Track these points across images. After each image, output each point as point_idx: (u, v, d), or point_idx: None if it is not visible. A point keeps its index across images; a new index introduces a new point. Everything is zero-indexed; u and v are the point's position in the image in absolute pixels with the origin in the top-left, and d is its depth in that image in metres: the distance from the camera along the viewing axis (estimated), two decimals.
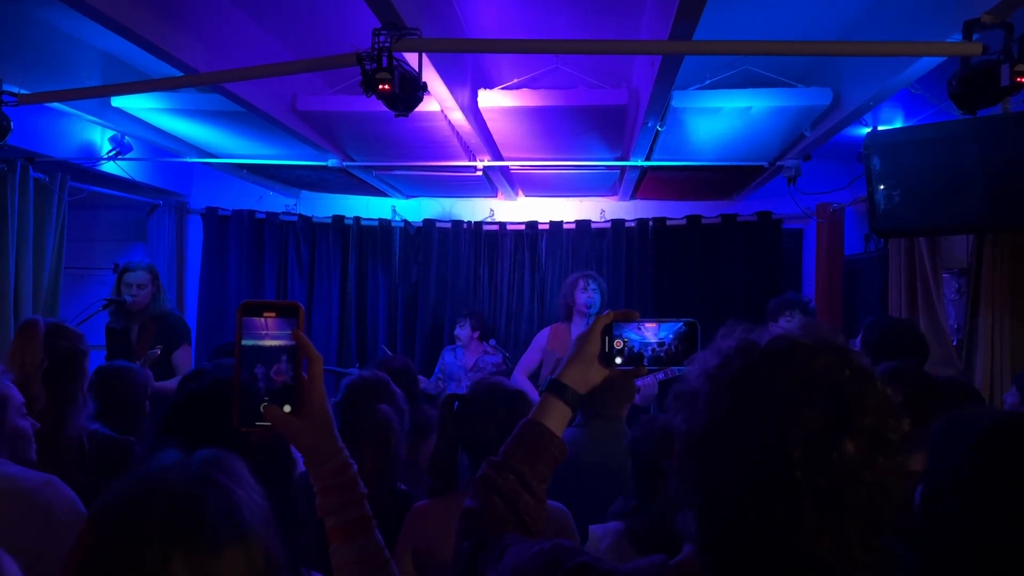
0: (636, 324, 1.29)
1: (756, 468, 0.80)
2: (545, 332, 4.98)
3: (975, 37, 2.63)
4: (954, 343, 4.24)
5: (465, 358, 5.48)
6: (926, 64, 3.14)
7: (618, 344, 1.28)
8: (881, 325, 3.32)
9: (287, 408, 1.10)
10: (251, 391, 1.09)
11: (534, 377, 4.90)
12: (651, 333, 1.29)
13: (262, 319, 1.10)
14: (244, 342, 1.10)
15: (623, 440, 2.69)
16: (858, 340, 3.20)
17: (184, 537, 0.80)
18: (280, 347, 1.10)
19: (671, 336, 1.28)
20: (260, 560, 0.84)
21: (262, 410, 1.09)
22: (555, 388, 1.27)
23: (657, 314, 5.08)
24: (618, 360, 1.28)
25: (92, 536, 0.82)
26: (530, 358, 4.93)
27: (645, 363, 1.29)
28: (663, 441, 1.97)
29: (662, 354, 1.28)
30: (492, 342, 5.61)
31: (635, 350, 1.28)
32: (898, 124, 4.53)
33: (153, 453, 0.95)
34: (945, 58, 3.03)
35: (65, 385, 2.15)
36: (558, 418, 1.26)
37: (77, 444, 2.21)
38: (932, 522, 1.31)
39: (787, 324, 4.50)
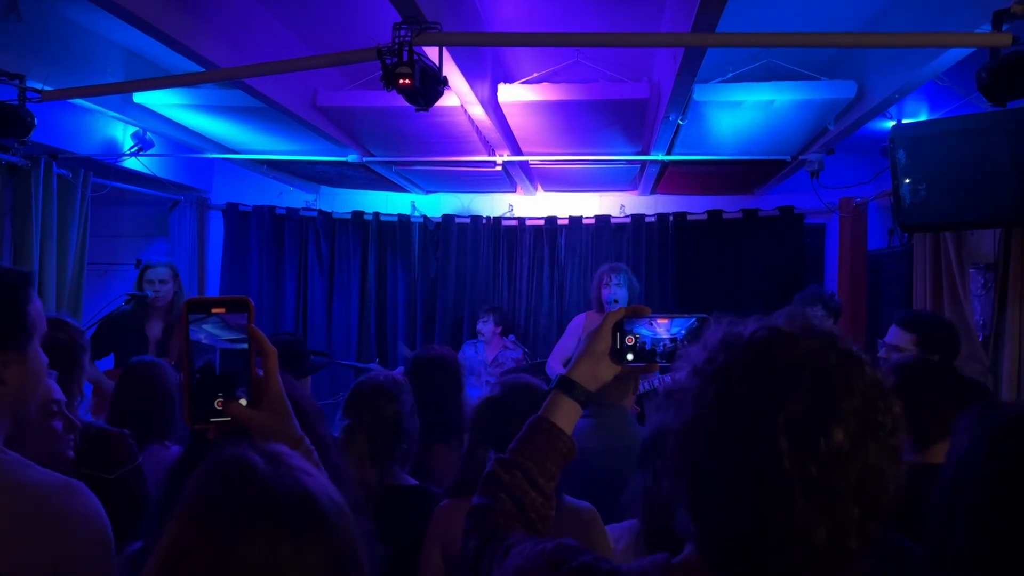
0: (648, 320, 1.27)
1: (744, 459, 0.79)
2: (581, 318, 5.01)
3: (1005, 27, 2.58)
4: (980, 339, 4.18)
5: (485, 353, 5.48)
6: (954, 55, 3.08)
7: (630, 340, 1.26)
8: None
9: (243, 402, 1.09)
10: (205, 388, 1.08)
11: None
12: (663, 329, 1.27)
13: (211, 316, 1.09)
14: (194, 339, 1.08)
15: (629, 428, 2.67)
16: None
17: (312, 526, 0.82)
18: (231, 343, 1.09)
19: (683, 332, 1.26)
20: (352, 529, 0.87)
21: (217, 406, 1.08)
22: (564, 385, 1.26)
23: (677, 310, 5.05)
24: (629, 356, 1.27)
25: (214, 545, 0.80)
26: (566, 345, 4.94)
27: (657, 359, 1.27)
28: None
29: (674, 350, 1.26)
30: (512, 337, 5.60)
31: (647, 346, 1.26)
32: (924, 117, 4.47)
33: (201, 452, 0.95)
34: (974, 49, 2.97)
35: (62, 379, 2.14)
36: (567, 415, 1.25)
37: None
38: (951, 515, 1.29)
39: None
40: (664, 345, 1.26)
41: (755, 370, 0.82)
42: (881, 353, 2.89)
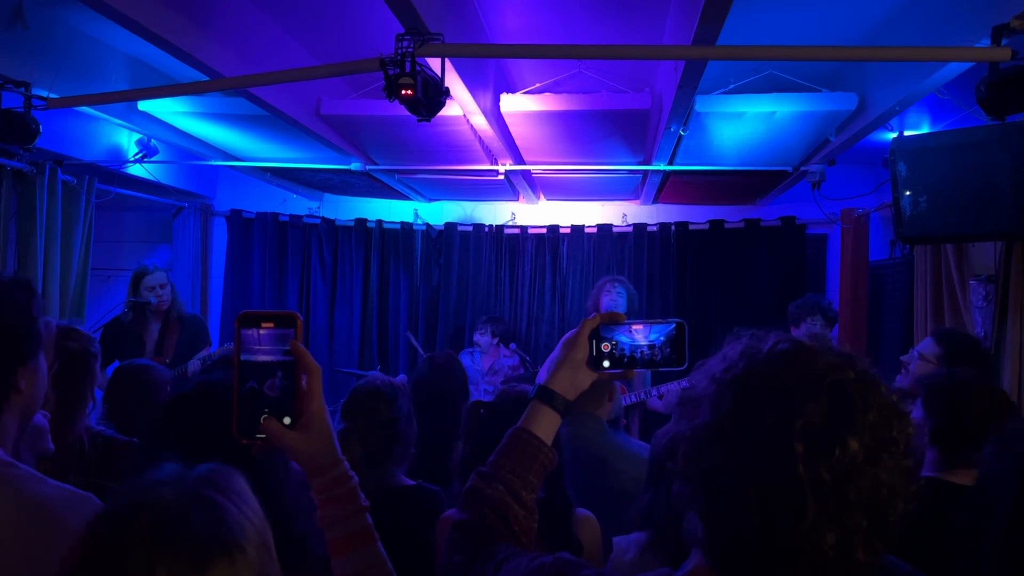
0: (626, 326, 1.27)
1: (759, 462, 0.80)
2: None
3: (1004, 42, 2.59)
4: None
5: (482, 362, 5.48)
6: (954, 69, 3.09)
7: (606, 347, 1.26)
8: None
9: (286, 420, 1.08)
10: (252, 402, 1.07)
11: None
12: (641, 336, 1.26)
13: (261, 330, 1.08)
14: (243, 354, 1.08)
15: (603, 438, 2.66)
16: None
17: (168, 551, 0.79)
18: (278, 358, 1.08)
19: (662, 338, 1.26)
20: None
21: (262, 422, 1.07)
22: (543, 395, 1.26)
23: (670, 318, 5.02)
24: (606, 364, 1.26)
25: (82, 546, 0.82)
26: None
27: (635, 366, 1.27)
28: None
29: (652, 356, 1.26)
30: (513, 345, 5.60)
31: (625, 353, 1.26)
32: (925, 129, 4.47)
33: (149, 460, 0.95)
34: (973, 63, 2.99)
35: (74, 387, 2.16)
36: (547, 425, 1.24)
37: (78, 446, 2.22)
38: (983, 536, 1.29)
39: (810, 330, 4.45)
40: (642, 352, 1.26)
41: (775, 377, 0.83)
42: (904, 357, 2.92)
